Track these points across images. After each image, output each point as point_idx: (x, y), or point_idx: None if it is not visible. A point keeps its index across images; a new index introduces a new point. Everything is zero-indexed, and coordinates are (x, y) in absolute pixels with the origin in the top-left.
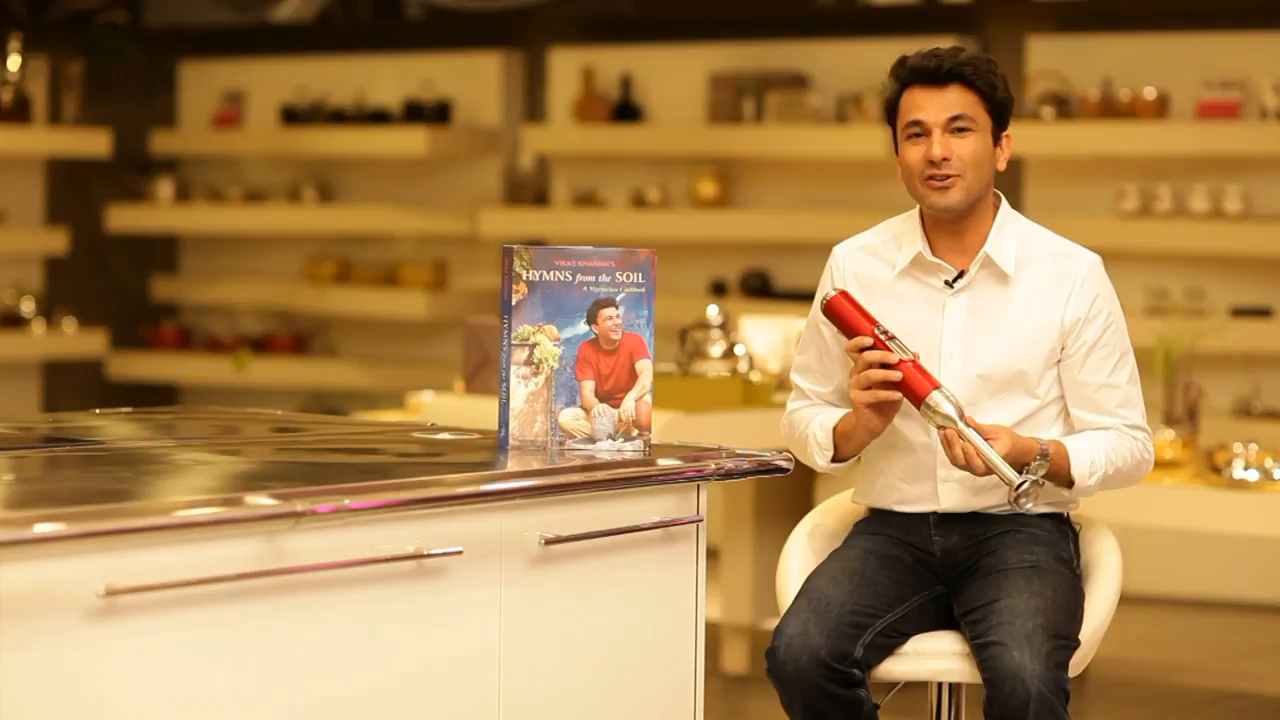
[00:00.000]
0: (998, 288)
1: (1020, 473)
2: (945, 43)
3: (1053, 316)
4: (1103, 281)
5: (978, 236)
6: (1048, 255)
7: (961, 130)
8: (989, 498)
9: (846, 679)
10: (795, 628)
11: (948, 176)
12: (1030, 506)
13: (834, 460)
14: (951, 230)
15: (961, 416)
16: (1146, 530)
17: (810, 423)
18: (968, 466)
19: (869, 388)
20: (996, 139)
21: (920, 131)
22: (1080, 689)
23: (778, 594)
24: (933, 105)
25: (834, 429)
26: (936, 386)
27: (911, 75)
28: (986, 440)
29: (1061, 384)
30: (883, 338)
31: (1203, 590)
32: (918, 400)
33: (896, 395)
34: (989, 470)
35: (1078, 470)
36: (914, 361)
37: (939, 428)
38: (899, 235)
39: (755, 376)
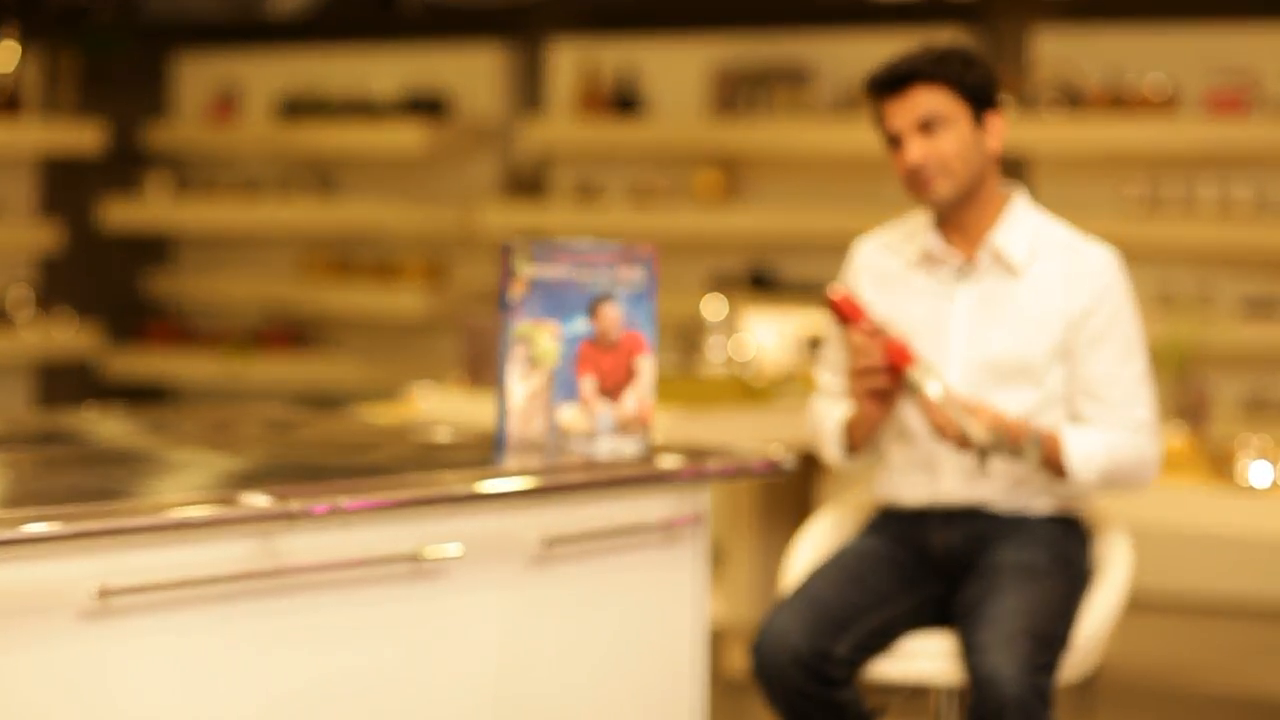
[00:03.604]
0: (1007, 279)
1: (1015, 451)
2: (947, 36)
3: (1060, 308)
4: (1114, 276)
5: (984, 227)
6: (1060, 248)
7: (932, 128)
8: (989, 489)
9: (825, 678)
10: (777, 625)
11: (930, 177)
12: (990, 470)
13: (848, 451)
14: (958, 223)
15: (939, 390)
16: (1150, 531)
17: (826, 417)
18: (943, 434)
19: (862, 379)
20: (982, 122)
21: (896, 140)
22: (1088, 693)
23: (778, 594)
24: (898, 113)
25: (843, 420)
26: (910, 361)
27: (876, 88)
28: (969, 412)
29: (1062, 382)
30: (871, 328)
31: (1214, 592)
32: (897, 374)
33: (883, 382)
34: (967, 441)
35: (1073, 457)
36: (897, 343)
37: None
38: (913, 228)
39: (757, 374)
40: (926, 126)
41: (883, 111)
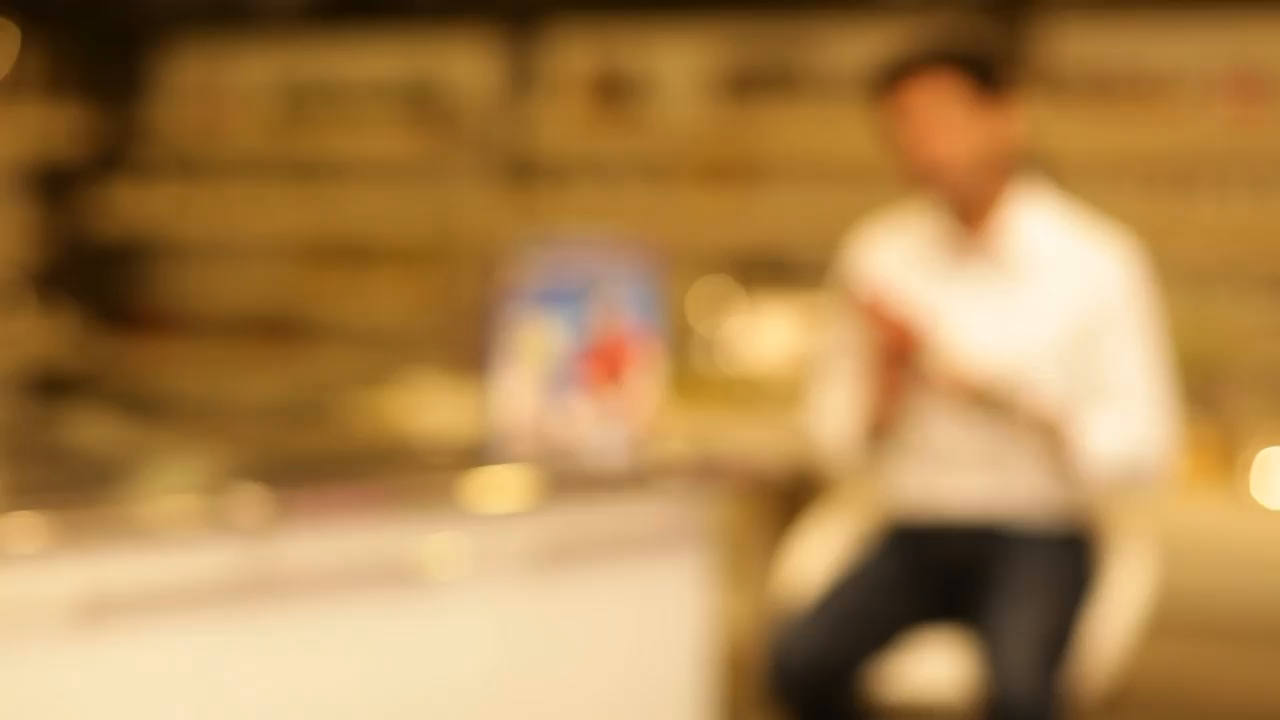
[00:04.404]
0: (1014, 272)
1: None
2: (962, 24)
3: (1064, 304)
4: (1125, 271)
5: (993, 219)
6: (1072, 241)
7: (942, 115)
8: (1000, 502)
9: (835, 691)
10: (787, 639)
11: (938, 165)
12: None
13: (856, 445)
14: (965, 214)
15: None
16: (1170, 543)
17: (827, 412)
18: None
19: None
20: (995, 111)
21: (905, 126)
22: (1115, 712)
23: (782, 604)
24: (908, 98)
25: (856, 410)
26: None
27: (887, 74)
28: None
29: (1077, 374)
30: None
31: (1244, 610)
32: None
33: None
34: (983, 394)
35: (1083, 438)
36: (914, 331)
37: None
38: (916, 221)
39: (761, 372)
40: (937, 113)
41: (893, 97)
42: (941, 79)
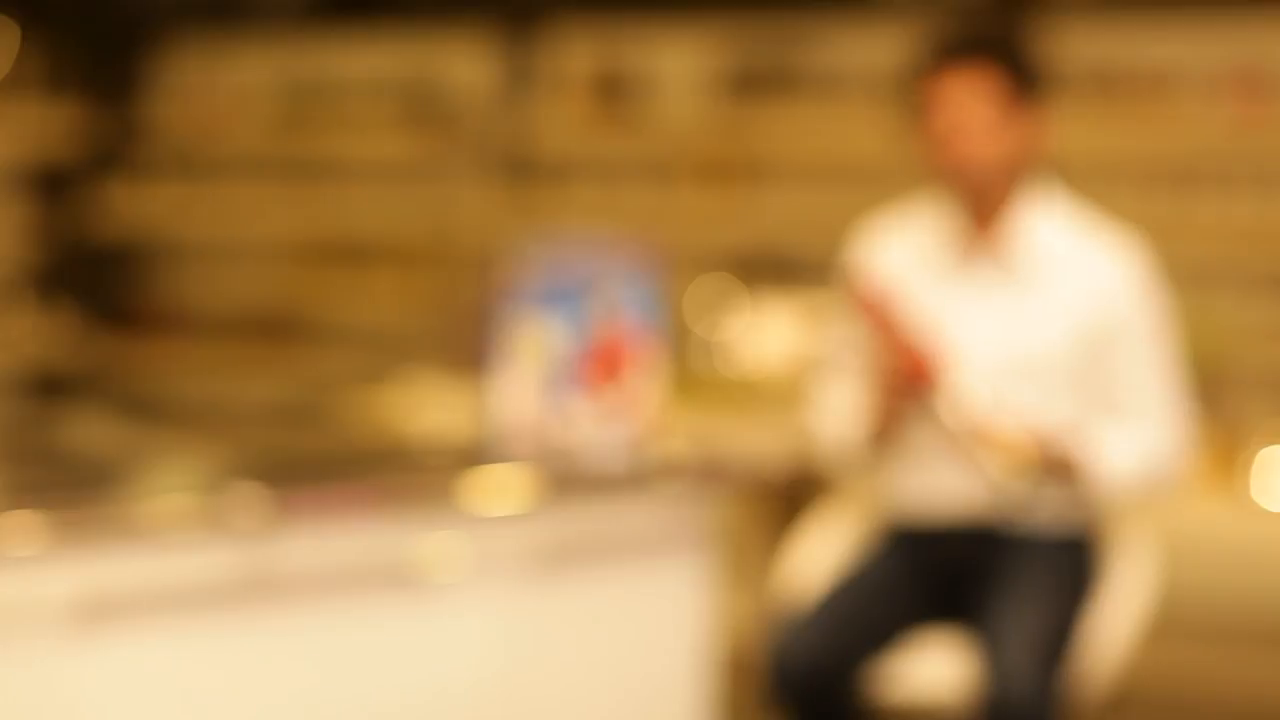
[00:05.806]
0: (1019, 275)
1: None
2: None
3: (1073, 308)
4: (1134, 276)
5: (1001, 222)
6: (1082, 245)
7: (977, 110)
8: (1002, 508)
9: (831, 693)
10: (790, 639)
11: (965, 163)
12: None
13: (857, 448)
14: (975, 214)
15: (967, 417)
16: (1175, 546)
17: (829, 411)
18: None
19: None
20: (1029, 111)
21: (938, 115)
22: (1115, 711)
23: (783, 605)
24: (944, 88)
25: (860, 409)
26: (928, 381)
27: (926, 61)
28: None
29: (1086, 379)
30: (895, 334)
31: (1250, 612)
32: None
33: (903, 389)
34: (997, 448)
35: (1097, 469)
36: (918, 358)
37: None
38: (924, 217)
39: (762, 373)
40: (973, 108)
41: (930, 83)
42: (984, 73)
